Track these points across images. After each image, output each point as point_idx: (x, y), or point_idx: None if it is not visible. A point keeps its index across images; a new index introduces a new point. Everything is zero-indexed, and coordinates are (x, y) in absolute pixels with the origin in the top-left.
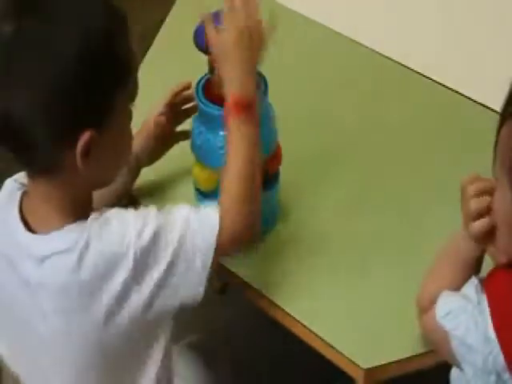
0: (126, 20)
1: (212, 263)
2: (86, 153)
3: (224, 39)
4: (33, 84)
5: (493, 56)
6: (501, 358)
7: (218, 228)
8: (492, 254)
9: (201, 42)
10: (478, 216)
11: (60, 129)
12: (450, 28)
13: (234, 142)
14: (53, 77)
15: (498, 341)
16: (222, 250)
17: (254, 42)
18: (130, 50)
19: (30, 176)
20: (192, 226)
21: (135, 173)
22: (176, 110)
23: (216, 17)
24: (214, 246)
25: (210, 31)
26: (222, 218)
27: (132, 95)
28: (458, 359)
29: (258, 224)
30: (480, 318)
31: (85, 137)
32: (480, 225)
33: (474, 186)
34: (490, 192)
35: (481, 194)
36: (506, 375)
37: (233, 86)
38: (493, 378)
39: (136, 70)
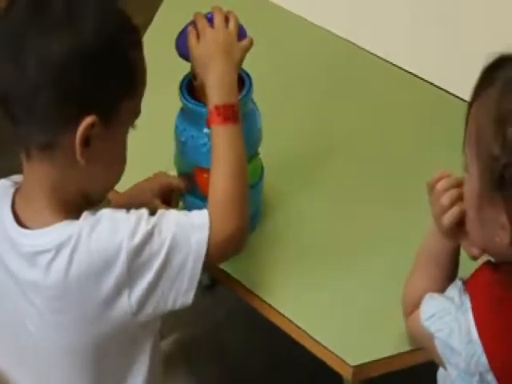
0: (139, 33)
1: (202, 267)
2: (86, 140)
3: (203, 52)
4: (45, 55)
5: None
6: (484, 359)
7: (208, 231)
8: (466, 248)
9: (182, 49)
10: (447, 209)
11: (64, 104)
12: (447, 28)
13: (219, 149)
14: (65, 53)
15: (481, 341)
16: (212, 254)
17: (232, 54)
18: (143, 63)
19: (27, 157)
20: (183, 229)
21: None
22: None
23: (210, 20)
24: (205, 249)
25: (191, 40)
26: (211, 221)
27: (136, 112)
28: (443, 361)
29: (247, 228)
30: (463, 320)
31: (88, 120)
32: (449, 215)
33: (442, 182)
34: (457, 186)
35: (449, 189)
36: (489, 376)
37: (215, 96)
38: (476, 378)
39: (144, 90)
